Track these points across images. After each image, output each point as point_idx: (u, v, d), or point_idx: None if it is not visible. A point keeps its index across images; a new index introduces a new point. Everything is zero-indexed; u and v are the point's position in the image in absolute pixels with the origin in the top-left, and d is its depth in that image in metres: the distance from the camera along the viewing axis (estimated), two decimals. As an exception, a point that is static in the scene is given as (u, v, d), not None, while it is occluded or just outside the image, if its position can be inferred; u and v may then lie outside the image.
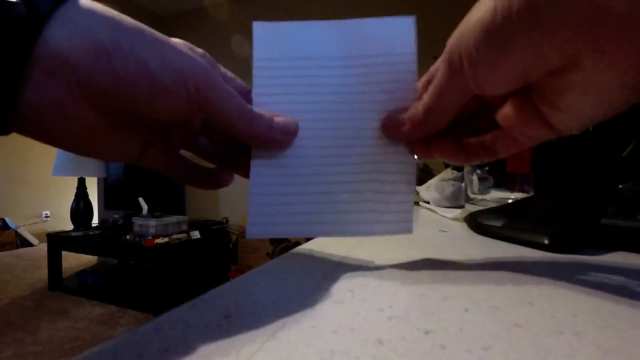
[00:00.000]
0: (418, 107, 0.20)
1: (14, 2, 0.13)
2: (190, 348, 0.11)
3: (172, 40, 0.18)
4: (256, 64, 0.23)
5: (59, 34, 0.14)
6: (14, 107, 0.14)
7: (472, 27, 0.15)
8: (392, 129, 0.21)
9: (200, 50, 0.21)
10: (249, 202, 0.21)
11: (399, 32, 0.22)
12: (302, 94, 0.23)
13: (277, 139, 0.21)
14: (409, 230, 0.21)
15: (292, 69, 0.23)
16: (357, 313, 0.14)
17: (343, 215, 0.21)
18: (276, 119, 0.21)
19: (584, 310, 0.14)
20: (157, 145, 0.21)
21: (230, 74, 0.23)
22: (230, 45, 2.85)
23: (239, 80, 0.24)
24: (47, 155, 3.00)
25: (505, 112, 0.19)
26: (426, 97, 0.19)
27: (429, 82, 0.20)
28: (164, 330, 0.12)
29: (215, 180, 0.24)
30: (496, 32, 0.15)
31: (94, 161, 2.33)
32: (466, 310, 0.14)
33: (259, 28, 0.23)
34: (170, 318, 0.13)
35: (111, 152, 0.19)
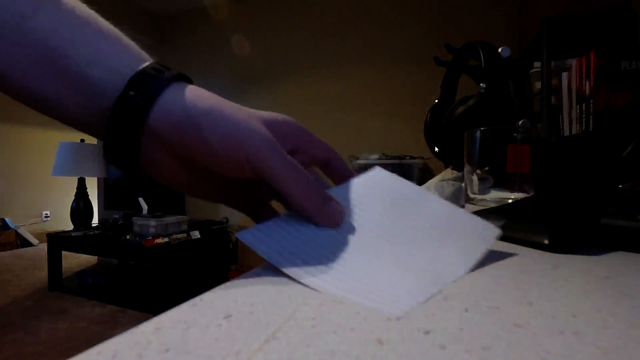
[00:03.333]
0: None
1: (133, 95, 0.20)
2: (190, 348, 0.11)
3: (242, 114, 0.21)
4: None
5: (156, 115, 0.20)
6: (137, 160, 0.22)
7: None
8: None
9: (279, 118, 0.24)
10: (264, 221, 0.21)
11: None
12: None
13: (328, 214, 0.21)
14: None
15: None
16: (357, 313, 0.14)
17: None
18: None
19: (584, 310, 0.14)
20: (248, 196, 0.28)
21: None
22: (230, 45, 2.85)
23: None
24: (47, 155, 3.00)
25: None
26: None
27: None
28: (164, 330, 0.12)
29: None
30: None
31: (94, 161, 2.32)
32: (466, 310, 0.14)
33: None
34: (170, 318, 0.13)
35: (210, 197, 0.26)
